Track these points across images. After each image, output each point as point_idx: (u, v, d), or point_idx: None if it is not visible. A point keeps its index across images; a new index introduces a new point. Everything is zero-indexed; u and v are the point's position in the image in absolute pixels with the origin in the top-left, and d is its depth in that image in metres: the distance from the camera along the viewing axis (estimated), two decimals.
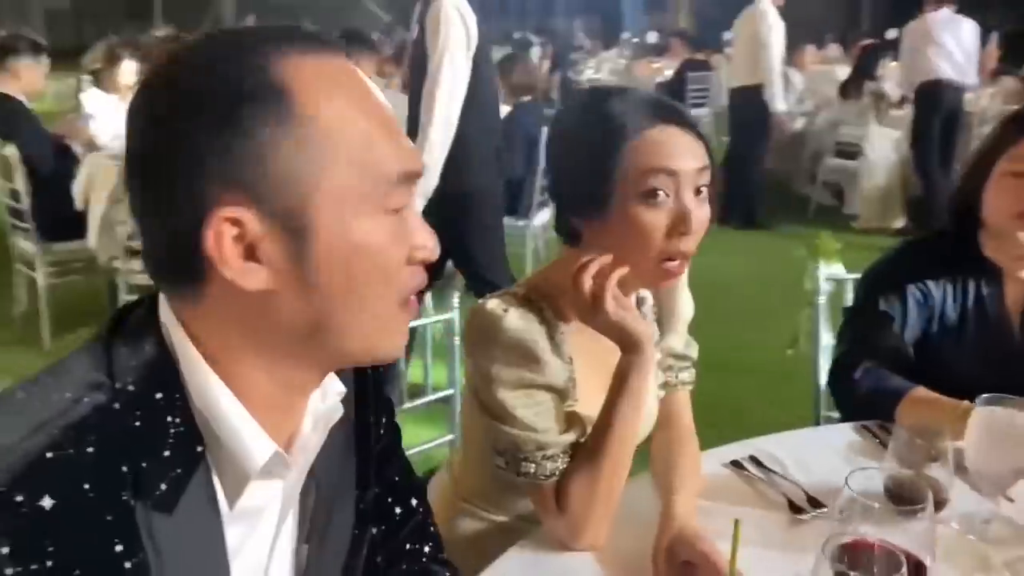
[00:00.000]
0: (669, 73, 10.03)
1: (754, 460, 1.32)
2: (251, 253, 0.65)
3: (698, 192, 1.09)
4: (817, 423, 1.94)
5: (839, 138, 6.31)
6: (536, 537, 1.15)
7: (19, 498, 0.57)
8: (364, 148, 0.67)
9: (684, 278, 1.34)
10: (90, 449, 0.62)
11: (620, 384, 1.12)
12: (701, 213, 1.09)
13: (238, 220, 0.63)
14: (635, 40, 13.51)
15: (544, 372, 1.11)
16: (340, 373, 0.81)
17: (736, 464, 1.32)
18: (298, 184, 0.64)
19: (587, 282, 1.07)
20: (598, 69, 11.10)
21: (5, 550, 0.56)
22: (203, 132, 0.62)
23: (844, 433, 1.43)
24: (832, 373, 1.57)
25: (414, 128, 2.78)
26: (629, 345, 1.10)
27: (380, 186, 0.68)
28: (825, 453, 1.35)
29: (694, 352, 1.38)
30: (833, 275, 1.91)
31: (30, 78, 3.81)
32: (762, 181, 6.28)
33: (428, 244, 0.73)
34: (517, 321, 1.10)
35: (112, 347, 0.68)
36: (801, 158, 6.97)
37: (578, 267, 1.08)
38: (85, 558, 0.60)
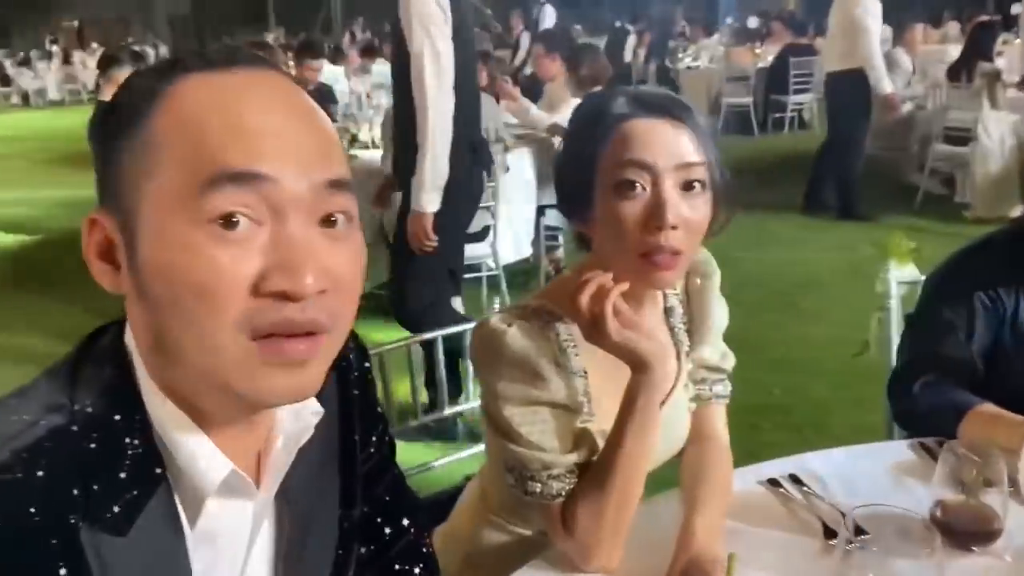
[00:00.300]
0: (771, 59, 9.72)
1: (793, 478, 1.25)
2: (111, 256, 0.67)
3: (688, 187, 1.04)
4: (890, 434, 1.82)
5: (948, 123, 5.94)
6: (550, 556, 1.13)
7: None
8: (193, 148, 0.63)
9: (715, 286, 1.28)
10: (40, 472, 0.63)
11: (629, 405, 1.07)
12: (686, 208, 1.04)
13: (97, 221, 0.67)
14: (737, 25, 13.14)
15: (548, 389, 1.08)
16: (319, 393, 0.81)
17: (773, 482, 1.25)
18: (133, 186, 0.65)
19: (585, 302, 1.02)
20: (696, 56, 10.84)
21: None
22: (98, 143, 0.68)
23: (898, 451, 1.33)
24: (890, 386, 1.47)
25: (403, 118, 2.67)
26: (637, 365, 1.05)
27: (198, 187, 0.62)
28: (874, 473, 1.26)
29: (729, 364, 1.31)
30: (905, 277, 1.79)
31: None
32: (860, 169, 5.99)
33: (289, 273, 0.62)
34: (519, 338, 1.07)
35: (78, 369, 0.70)
36: (909, 145, 6.60)
37: (577, 286, 1.03)
38: None
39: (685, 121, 1.05)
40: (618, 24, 13.59)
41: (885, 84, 5.51)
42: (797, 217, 5.99)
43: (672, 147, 1.04)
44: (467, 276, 4.11)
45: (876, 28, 5.46)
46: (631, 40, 10.76)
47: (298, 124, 0.66)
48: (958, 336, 1.39)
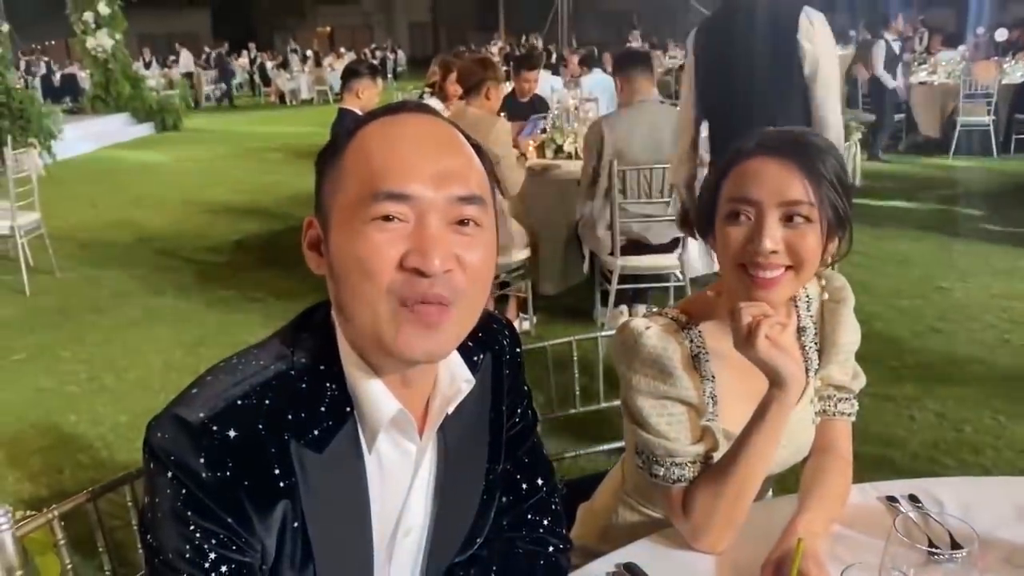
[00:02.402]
0: (1021, 76, 8.96)
1: (912, 498, 1.32)
2: (318, 247, 0.92)
3: (791, 220, 1.16)
4: None
5: None
6: (667, 533, 1.28)
7: (215, 428, 0.85)
8: (365, 173, 0.87)
9: (848, 310, 1.36)
10: (267, 401, 0.89)
11: (760, 415, 1.20)
12: (787, 237, 1.16)
13: (311, 222, 0.94)
14: (985, 37, 12.10)
15: (677, 386, 1.23)
16: (474, 368, 1.02)
17: (891, 499, 1.32)
18: (329, 200, 0.90)
19: (745, 318, 1.16)
20: (933, 70, 10.14)
21: (201, 460, 0.84)
22: (317, 171, 0.94)
23: None
24: None
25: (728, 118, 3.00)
26: (775, 381, 1.18)
27: (366, 200, 0.85)
28: (997, 504, 1.29)
29: (859, 385, 1.39)
30: None
31: (368, 96, 4.51)
32: None
33: (422, 255, 0.84)
34: (655, 339, 1.24)
35: (298, 332, 0.96)
36: None
37: (742, 305, 1.17)
38: (252, 473, 0.86)
39: (798, 161, 1.16)
40: (852, 33, 12.95)
41: None
42: None
43: (778, 185, 1.16)
44: (654, 285, 4.26)
45: None
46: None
47: (440, 153, 0.89)
48: None
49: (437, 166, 0.88)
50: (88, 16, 13.77)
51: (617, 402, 1.95)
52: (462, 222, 0.88)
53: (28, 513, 1.21)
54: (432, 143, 0.90)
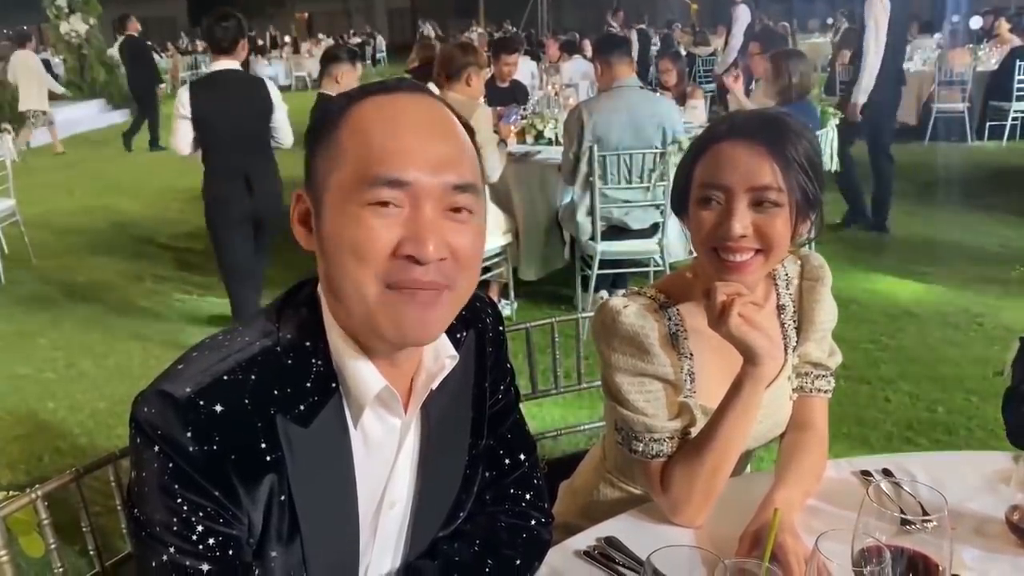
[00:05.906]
0: (995, 63, 9.05)
1: (885, 472, 1.35)
2: (307, 222, 0.92)
3: (760, 204, 1.18)
4: None
5: None
6: (646, 508, 1.30)
7: (201, 403, 0.86)
8: (362, 155, 0.87)
9: (826, 289, 1.38)
10: (253, 376, 0.90)
11: (735, 391, 1.22)
12: (757, 221, 1.18)
13: (301, 196, 0.93)
14: (959, 25, 12.23)
15: (655, 363, 1.25)
16: (457, 345, 1.04)
17: (865, 473, 1.35)
18: (323, 177, 0.90)
19: (720, 297, 1.18)
20: (910, 58, 10.20)
21: (188, 435, 0.85)
22: (309, 143, 0.94)
23: (999, 461, 1.38)
24: (1004, 403, 1.51)
25: None
26: (748, 357, 1.20)
27: (363, 184, 0.86)
28: (968, 476, 1.33)
29: (835, 362, 1.41)
30: None
31: (347, 81, 4.49)
32: None
33: (417, 243, 0.85)
34: (634, 316, 1.26)
35: (284, 308, 0.97)
36: None
37: (718, 284, 1.19)
38: (239, 448, 0.87)
39: (768, 145, 1.17)
40: (830, 21, 12.99)
41: None
42: (1003, 230, 5.63)
43: (747, 170, 1.18)
44: (634, 271, 4.29)
45: None
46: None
47: (437, 139, 0.90)
48: None
49: (434, 152, 0.88)
50: (62, 1, 13.56)
51: (597, 383, 1.99)
52: (456, 209, 0.89)
53: (11, 493, 1.21)
54: (430, 127, 0.90)
